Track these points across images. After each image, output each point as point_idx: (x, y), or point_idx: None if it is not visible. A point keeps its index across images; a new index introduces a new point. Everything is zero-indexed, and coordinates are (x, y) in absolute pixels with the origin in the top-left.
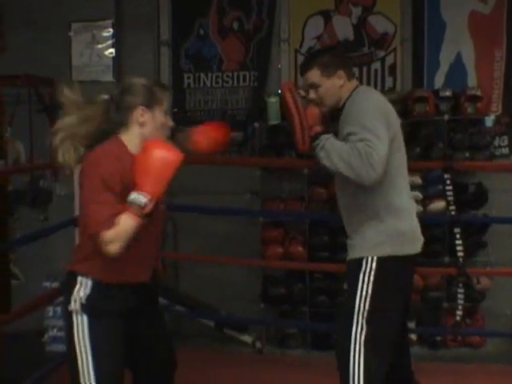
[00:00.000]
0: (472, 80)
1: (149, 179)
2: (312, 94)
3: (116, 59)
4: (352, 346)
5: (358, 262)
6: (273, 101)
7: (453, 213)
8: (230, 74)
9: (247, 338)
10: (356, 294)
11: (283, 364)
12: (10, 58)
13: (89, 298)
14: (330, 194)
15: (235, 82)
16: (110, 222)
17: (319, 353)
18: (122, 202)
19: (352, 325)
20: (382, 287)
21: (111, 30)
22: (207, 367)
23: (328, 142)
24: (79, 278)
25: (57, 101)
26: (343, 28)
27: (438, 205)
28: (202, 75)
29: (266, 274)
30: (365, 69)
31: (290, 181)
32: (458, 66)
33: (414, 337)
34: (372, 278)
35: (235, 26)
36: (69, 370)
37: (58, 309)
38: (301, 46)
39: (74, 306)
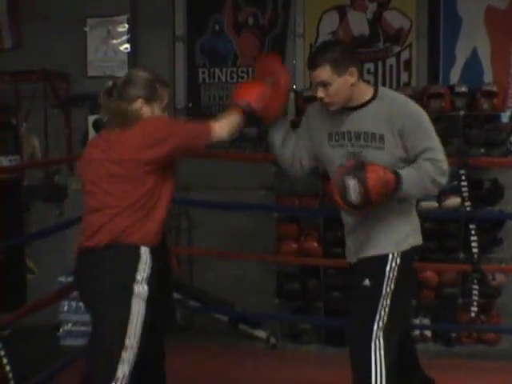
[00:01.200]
0: (488, 75)
1: (248, 90)
2: (321, 93)
3: (131, 54)
4: (373, 342)
5: (383, 259)
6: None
7: (468, 209)
8: (245, 69)
9: (261, 334)
10: (381, 291)
11: (297, 359)
12: (25, 54)
13: (150, 276)
14: None
15: (250, 77)
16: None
17: (333, 348)
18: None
19: (374, 321)
20: (403, 281)
21: (126, 25)
22: (221, 362)
23: (405, 182)
24: (142, 251)
25: (72, 96)
26: (358, 23)
27: (454, 201)
28: (217, 70)
29: (280, 270)
30: (380, 64)
31: (304, 177)
32: (473, 62)
33: (428, 333)
34: (396, 273)
35: (250, 21)
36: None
37: (73, 303)
38: (316, 41)
39: (138, 287)
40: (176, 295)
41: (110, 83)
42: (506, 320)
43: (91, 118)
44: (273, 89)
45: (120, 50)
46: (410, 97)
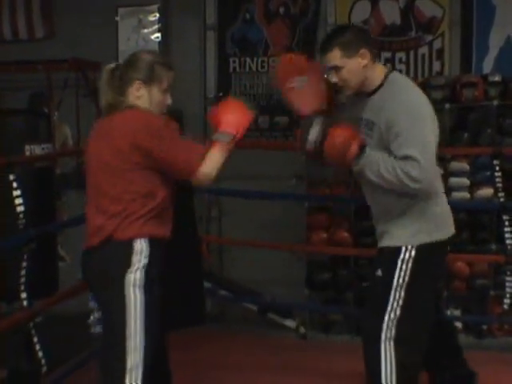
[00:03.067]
0: None
1: (232, 121)
2: (334, 77)
3: (162, 44)
4: (383, 332)
5: (396, 250)
6: None
7: (502, 199)
8: (276, 59)
9: (291, 323)
10: (392, 281)
11: (327, 350)
12: (57, 43)
13: (145, 265)
14: None
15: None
16: (202, 155)
17: None
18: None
19: (385, 312)
20: (421, 275)
21: (157, 14)
22: (251, 352)
23: (367, 166)
24: (136, 243)
25: None
26: (390, 12)
27: (486, 191)
28: (248, 60)
29: (310, 260)
30: (412, 53)
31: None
32: (507, 51)
33: (459, 325)
34: (410, 266)
35: (281, 10)
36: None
37: None
38: None
39: (131, 276)
40: (206, 284)
41: (113, 65)
42: None
43: None
44: (308, 87)
45: (151, 39)
46: (443, 86)
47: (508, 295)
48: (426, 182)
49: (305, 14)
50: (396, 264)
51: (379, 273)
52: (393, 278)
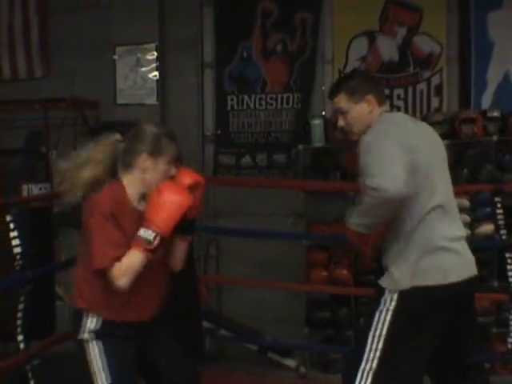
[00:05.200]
0: None
1: (158, 217)
2: (341, 121)
3: (160, 82)
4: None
5: (380, 291)
6: (317, 123)
7: (504, 237)
8: (274, 96)
9: (291, 363)
10: (370, 327)
11: None
12: (55, 82)
13: (96, 328)
14: None
15: (279, 104)
16: (117, 257)
17: None
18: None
19: (361, 361)
20: (402, 327)
21: (155, 53)
22: None
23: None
24: (85, 314)
25: (101, 123)
26: (388, 48)
27: (487, 228)
28: (246, 97)
29: (310, 298)
30: (410, 89)
31: (334, 203)
32: (506, 86)
33: None
34: (390, 316)
35: (279, 47)
36: None
37: None
38: (345, 67)
39: (84, 335)
40: (205, 324)
41: (119, 137)
42: None
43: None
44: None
45: (149, 78)
46: (442, 122)
47: (511, 334)
48: (394, 188)
49: (302, 51)
50: (378, 308)
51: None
52: (371, 323)
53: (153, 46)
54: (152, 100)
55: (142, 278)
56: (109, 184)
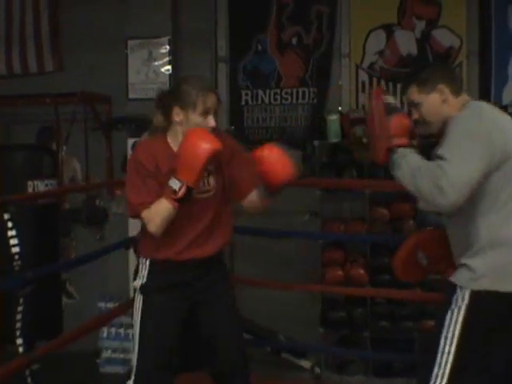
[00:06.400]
0: None
1: (183, 166)
2: (415, 114)
3: (173, 76)
4: None
5: (452, 289)
6: (333, 118)
7: None
8: (289, 91)
9: (305, 363)
10: (441, 332)
11: None
12: (66, 76)
13: (145, 277)
14: (393, 214)
15: (294, 98)
16: (146, 204)
17: (380, 380)
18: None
19: (430, 378)
20: (475, 322)
21: (168, 46)
22: None
23: (404, 159)
24: (140, 259)
25: (113, 118)
26: (406, 42)
27: None
28: (260, 92)
29: (325, 297)
30: None
31: (350, 201)
32: None
33: None
34: (462, 313)
35: (294, 41)
36: None
37: (113, 330)
38: (362, 61)
39: (136, 284)
40: None
41: (160, 91)
42: None
43: (131, 141)
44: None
45: (161, 72)
46: None
47: None
48: (454, 196)
49: (318, 45)
50: (450, 305)
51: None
52: (442, 328)
53: (165, 39)
54: None
55: (183, 220)
56: (153, 137)
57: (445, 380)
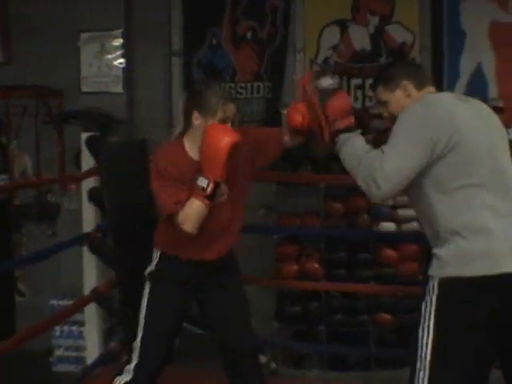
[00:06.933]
0: (493, 91)
1: (206, 163)
2: (384, 112)
3: (126, 70)
4: None
5: (426, 281)
6: None
7: None
8: (244, 85)
9: (261, 359)
10: (420, 317)
11: None
12: (17, 69)
13: (154, 266)
14: (347, 208)
15: (249, 93)
16: (181, 202)
17: (336, 373)
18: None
19: (415, 365)
20: (444, 316)
21: (121, 39)
22: None
23: (345, 146)
24: (154, 250)
25: (64, 112)
26: (360, 38)
27: None
28: None
29: (280, 292)
30: None
31: (305, 195)
32: (478, 77)
33: None
34: (434, 303)
35: (249, 35)
36: None
37: (66, 328)
38: (316, 56)
39: (148, 271)
40: None
41: (184, 97)
42: None
43: (84, 136)
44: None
45: (115, 66)
46: None
47: None
48: (384, 194)
49: (273, 39)
50: (424, 300)
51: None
52: (419, 324)
53: (118, 32)
54: (118, 88)
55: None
56: (169, 142)
57: (427, 373)
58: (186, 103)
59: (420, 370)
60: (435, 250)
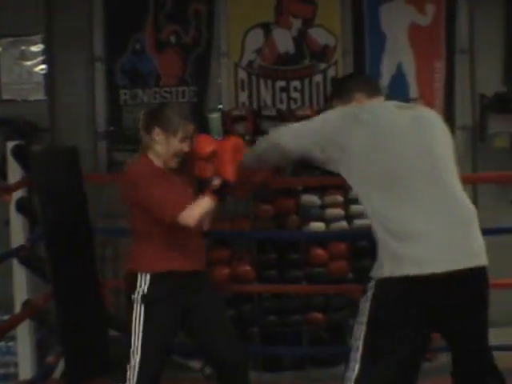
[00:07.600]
0: (413, 91)
1: (220, 166)
2: None
3: (47, 76)
4: None
5: (369, 278)
6: (214, 116)
7: None
8: (169, 90)
9: (195, 364)
10: (357, 317)
11: None
12: None
13: (146, 288)
14: (276, 210)
15: (174, 97)
16: (180, 203)
17: (271, 375)
18: None
19: (350, 356)
20: (375, 313)
21: (41, 45)
22: None
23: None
24: (139, 275)
25: None
26: (284, 41)
27: None
28: (139, 91)
29: None
30: (306, 81)
31: (235, 199)
32: (399, 78)
33: None
34: (369, 305)
35: (172, 40)
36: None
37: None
38: (241, 59)
39: (136, 296)
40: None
41: (144, 113)
42: None
43: (10, 144)
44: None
45: (35, 72)
46: None
47: None
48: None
49: (197, 44)
50: (361, 297)
51: None
52: (357, 320)
53: (38, 37)
54: (39, 95)
55: (184, 233)
56: (134, 159)
57: (358, 364)
58: (146, 118)
59: (354, 360)
60: (377, 251)
